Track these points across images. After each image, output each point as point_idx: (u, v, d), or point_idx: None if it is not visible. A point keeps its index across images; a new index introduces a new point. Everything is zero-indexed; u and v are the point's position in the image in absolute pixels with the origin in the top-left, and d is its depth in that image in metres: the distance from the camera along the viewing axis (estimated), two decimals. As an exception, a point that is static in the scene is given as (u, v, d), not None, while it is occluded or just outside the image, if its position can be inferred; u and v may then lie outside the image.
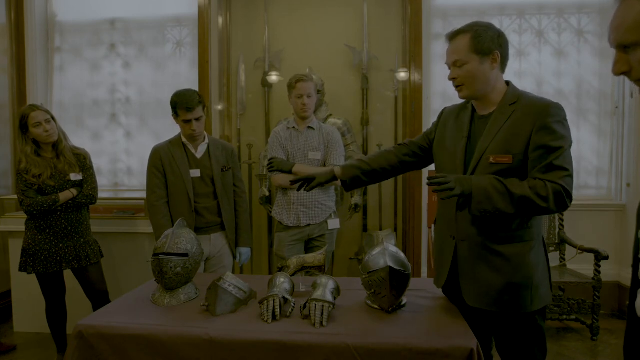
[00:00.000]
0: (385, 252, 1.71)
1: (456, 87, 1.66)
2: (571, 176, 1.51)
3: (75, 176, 2.68)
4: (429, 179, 1.57)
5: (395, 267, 1.65)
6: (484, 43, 1.57)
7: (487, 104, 1.65)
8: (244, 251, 2.76)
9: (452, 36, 1.64)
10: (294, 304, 1.69)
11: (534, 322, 1.62)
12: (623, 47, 0.97)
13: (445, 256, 1.74)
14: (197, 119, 2.49)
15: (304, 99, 2.72)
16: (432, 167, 3.73)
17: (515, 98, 1.60)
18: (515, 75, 3.66)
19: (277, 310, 1.63)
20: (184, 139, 2.60)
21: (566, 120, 1.55)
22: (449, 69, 1.66)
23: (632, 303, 1.03)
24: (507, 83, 1.67)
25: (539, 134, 1.51)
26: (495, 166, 1.57)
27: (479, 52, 1.58)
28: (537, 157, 1.52)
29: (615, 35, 0.98)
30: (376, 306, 1.73)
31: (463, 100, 1.77)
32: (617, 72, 1.00)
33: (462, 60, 1.60)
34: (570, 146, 1.54)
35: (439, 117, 1.88)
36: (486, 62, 1.59)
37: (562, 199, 1.48)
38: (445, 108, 1.89)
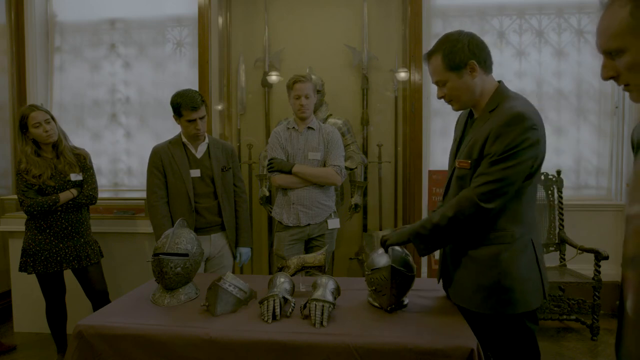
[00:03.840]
0: (390, 251, 1.74)
1: (447, 102, 1.69)
2: (498, 182, 1.48)
3: (75, 176, 2.68)
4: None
5: (398, 267, 1.65)
6: (456, 58, 1.57)
7: (478, 108, 1.67)
8: (244, 251, 2.75)
9: (427, 58, 1.66)
10: (294, 304, 1.69)
11: (523, 324, 1.61)
12: (609, 53, 0.97)
13: (443, 255, 1.82)
14: (201, 118, 2.49)
15: (302, 99, 2.72)
16: (432, 166, 3.74)
17: (495, 104, 1.59)
18: (515, 75, 3.66)
19: (277, 310, 1.63)
20: (184, 139, 2.60)
21: (529, 129, 1.47)
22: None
23: (623, 302, 1.03)
24: (499, 82, 1.67)
25: (491, 141, 1.51)
26: (459, 170, 1.63)
27: (454, 69, 1.58)
28: (482, 163, 1.54)
29: (600, 41, 0.98)
30: (377, 304, 1.73)
31: None
32: (605, 77, 1.00)
33: (442, 80, 1.62)
34: (519, 152, 1.47)
35: (455, 125, 1.89)
36: (465, 75, 1.59)
37: (473, 205, 1.51)
38: (460, 114, 1.89)
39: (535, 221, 1.67)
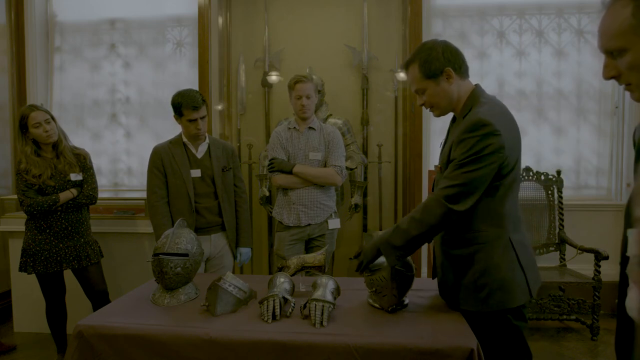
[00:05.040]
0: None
1: (428, 109, 1.74)
2: (463, 185, 1.52)
3: (75, 176, 2.68)
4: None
5: (398, 267, 1.65)
6: (432, 66, 1.62)
7: (458, 113, 1.72)
8: (245, 251, 2.75)
9: (405, 67, 1.72)
10: (294, 304, 1.69)
11: (508, 321, 1.62)
12: (610, 53, 0.97)
13: (434, 255, 1.88)
14: (202, 118, 2.50)
15: (303, 100, 2.73)
16: (432, 166, 3.73)
17: (467, 109, 1.63)
18: (515, 75, 3.66)
19: (277, 310, 1.63)
20: (184, 139, 2.60)
21: (490, 135, 1.50)
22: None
23: (622, 302, 1.03)
24: (475, 86, 1.70)
25: (455, 147, 1.57)
26: (436, 175, 1.71)
27: (431, 77, 1.63)
28: (448, 167, 1.59)
29: (602, 40, 0.98)
30: (377, 305, 1.73)
31: None
32: (607, 76, 1.01)
33: (420, 89, 1.67)
34: (479, 158, 1.50)
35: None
36: (442, 82, 1.63)
37: (440, 207, 1.54)
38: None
39: (519, 220, 1.67)
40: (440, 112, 1.71)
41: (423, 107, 1.77)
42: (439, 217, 1.56)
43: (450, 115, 1.84)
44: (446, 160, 1.62)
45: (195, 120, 2.48)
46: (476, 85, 1.69)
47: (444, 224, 1.59)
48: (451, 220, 1.57)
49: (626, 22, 0.92)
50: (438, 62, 1.61)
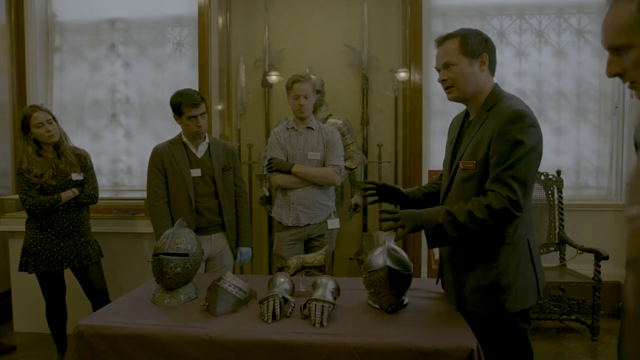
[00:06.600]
0: (385, 252, 1.72)
1: (446, 88, 1.68)
2: (522, 185, 1.50)
3: (76, 176, 2.69)
4: (381, 212, 1.64)
5: (394, 267, 1.65)
6: (473, 46, 1.62)
7: (474, 107, 1.68)
8: (245, 251, 2.75)
9: (441, 40, 1.68)
10: (294, 304, 1.69)
11: (515, 323, 1.62)
12: (614, 49, 0.96)
13: (440, 254, 1.85)
14: (202, 115, 2.50)
15: (301, 99, 2.73)
16: (432, 165, 3.73)
17: (492, 103, 1.62)
18: (515, 75, 3.66)
19: (277, 310, 1.63)
20: (184, 139, 2.60)
21: (530, 127, 1.52)
22: (438, 72, 1.70)
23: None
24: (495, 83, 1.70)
25: (496, 141, 1.53)
26: (464, 172, 1.64)
27: (468, 54, 1.62)
28: (492, 164, 1.54)
29: (606, 36, 0.97)
30: (377, 306, 1.73)
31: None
32: (610, 73, 1.00)
33: (452, 62, 1.63)
34: (528, 152, 1.51)
35: (449, 126, 1.90)
36: (475, 64, 1.63)
37: (506, 212, 1.50)
38: (455, 116, 1.90)
39: (532, 220, 1.68)
40: (458, 95, 1.66)
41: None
42: (502, 223, 1.53)
43: (449, 114, 1.83)
44: (483, 156, 1.56)
45: (196, 117, 2.48)
46: (495, 83, 1.69)
47: (503, 226, 1.56)
48: (511, 223, 1.56)
49: (631, 17, 0.90)
50: (480, 46, 1.63)
